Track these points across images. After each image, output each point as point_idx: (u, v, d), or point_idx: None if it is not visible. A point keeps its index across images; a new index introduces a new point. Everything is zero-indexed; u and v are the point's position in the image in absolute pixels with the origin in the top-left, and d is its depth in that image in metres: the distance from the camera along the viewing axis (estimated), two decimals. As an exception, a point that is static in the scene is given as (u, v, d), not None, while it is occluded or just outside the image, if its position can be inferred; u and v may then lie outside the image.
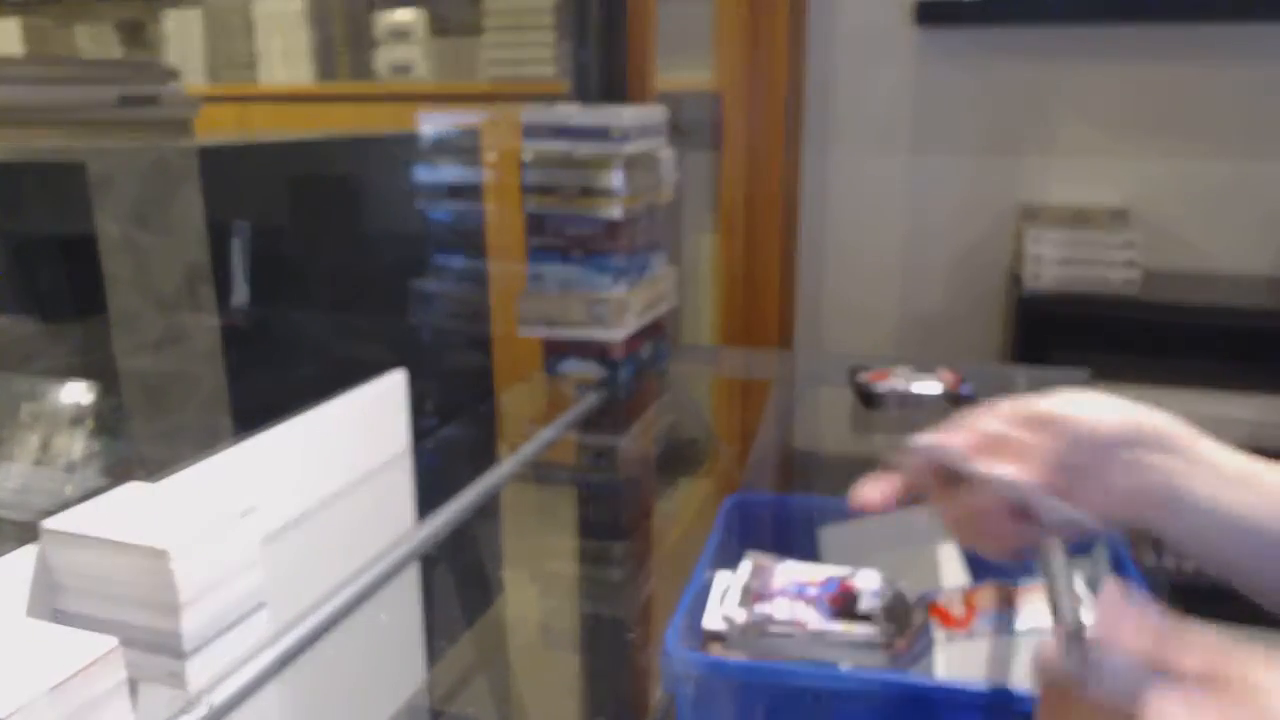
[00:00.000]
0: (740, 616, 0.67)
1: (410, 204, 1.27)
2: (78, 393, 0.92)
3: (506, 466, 1.10)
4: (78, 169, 0.89)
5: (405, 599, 0.85)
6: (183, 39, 2.97)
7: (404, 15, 2.73)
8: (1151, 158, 2.24)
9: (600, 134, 1.24)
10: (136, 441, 0.94)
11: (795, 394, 1.52)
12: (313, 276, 1.08)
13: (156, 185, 0.88)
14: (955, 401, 1.22)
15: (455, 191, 1.37)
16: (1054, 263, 2.10)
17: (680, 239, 2.55)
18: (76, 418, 0.92)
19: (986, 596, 0.71)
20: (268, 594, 0.63)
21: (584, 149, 1.25)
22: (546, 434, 1.19)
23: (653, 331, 1.44)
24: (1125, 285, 2.06)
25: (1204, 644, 0.44)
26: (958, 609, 0.71)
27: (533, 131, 1.27)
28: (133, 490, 0.63)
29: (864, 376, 1.27)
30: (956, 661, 0.68)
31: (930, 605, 0.72)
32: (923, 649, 0.67)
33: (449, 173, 1.36)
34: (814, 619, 0.67)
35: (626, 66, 1.67)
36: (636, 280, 1.33)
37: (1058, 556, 0.60)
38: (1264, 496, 0.56)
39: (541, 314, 1.31)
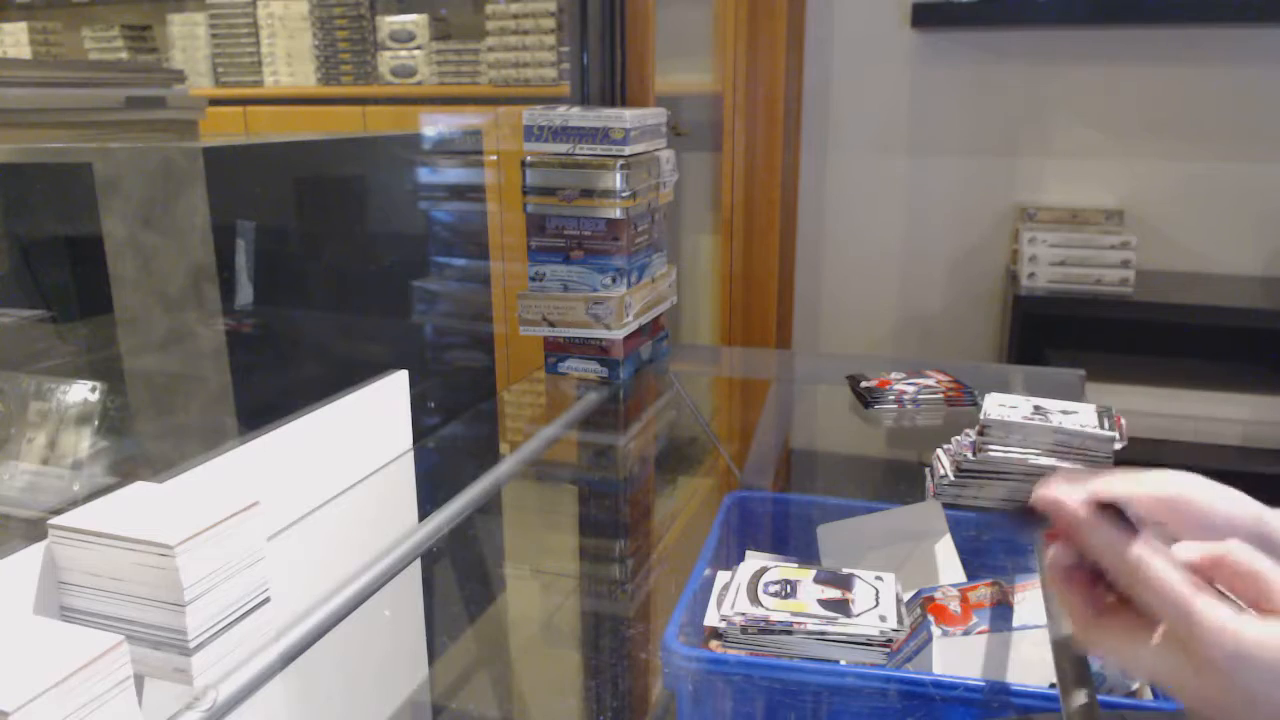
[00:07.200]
0: (740, 614, 0.68)
1: (413, 205, 1.28)
2: (84, 392, 0.93)
3: (507, 465, 1.10)
4: (84, 170, 0.89)
5: (408, 596, 0.85)
6: (188, 42, 2.98)
7: (407, 19, 2.74)
8: (1146, 159, 2.24)
9: (601, 136, 1.25)
10: (142, 440, 0.94)
11: (794, 393, 1.53)
12: (316, 276, 1.09)
13: (162, 186, 0.89)
14: (953, 403, 1.22)
15: (458, 192, 1.38)
16: (1049, 263, 2.11)
17: (680, 239, 2.56)
18: (83, 417, 0.92)
19: (983, 594, 0.72)
20: (272, 591, 0.64)
21: (585, 150, 1.27)
22: (547, 433, 1.20)
23: (653, 331, 1.45)
24: (1120, 285, 2.07)
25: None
26: (955, 606, 0.72)
27: (534, 133, 1.28)
28: (139, 489, 0.63)
29: (864, 384, 1.28)
30: (953, 657, 0.69)
31: (928, 602, 0.73)
32: (920, 645, 0.68)
33: (451, 174, 1.37)
34: (813, 616, 0.68)
35: (627, 69, 1.68)
36: (636, 280, 1.34)
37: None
38: None
39: (542, 314, 1.32)
